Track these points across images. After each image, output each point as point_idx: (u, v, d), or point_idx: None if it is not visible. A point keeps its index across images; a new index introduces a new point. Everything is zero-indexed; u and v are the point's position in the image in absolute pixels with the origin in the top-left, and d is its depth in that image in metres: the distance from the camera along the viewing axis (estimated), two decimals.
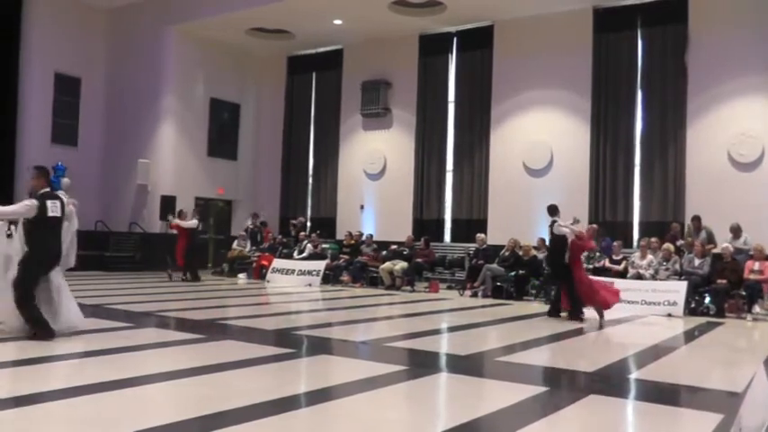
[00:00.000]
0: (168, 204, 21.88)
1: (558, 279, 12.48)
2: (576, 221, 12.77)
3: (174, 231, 19.04)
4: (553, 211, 12.74)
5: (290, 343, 8.81)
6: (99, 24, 24.07)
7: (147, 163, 22.65)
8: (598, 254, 15.52)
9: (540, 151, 19.03)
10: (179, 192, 22.38)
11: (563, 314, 12.14)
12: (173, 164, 22.70)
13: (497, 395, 6.19)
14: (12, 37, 22.67)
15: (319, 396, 5.86)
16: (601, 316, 11.84)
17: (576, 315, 11.83)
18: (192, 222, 18.45)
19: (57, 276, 8.47)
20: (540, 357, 8.53)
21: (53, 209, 8.18)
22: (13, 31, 22.69)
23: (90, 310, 11.13)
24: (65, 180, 21.40)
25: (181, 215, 18.83)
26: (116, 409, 5.25)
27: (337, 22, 20.70)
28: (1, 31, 22.64)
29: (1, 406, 5.14)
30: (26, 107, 22.69)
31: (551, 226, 12.55)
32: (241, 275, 19.90)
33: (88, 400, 5.45)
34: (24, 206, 8.05)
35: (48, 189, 8.39)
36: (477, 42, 20.24)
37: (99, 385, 5.89)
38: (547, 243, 14.31)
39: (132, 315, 10.99)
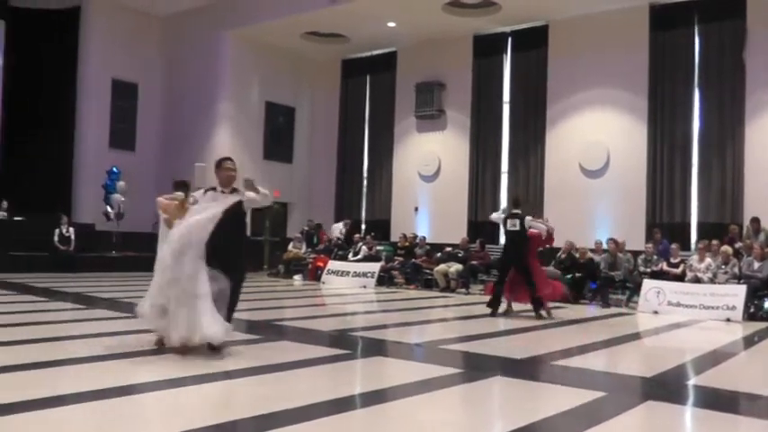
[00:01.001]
0: None
1: (517, 272, 12.25)
2: (547, 220, 13.38)
3: None
4: (518, 203, 12.67)
5: (345, 344, 8.85)
6: (156, 31, 24.54)
7: (204, 166, 22.69)
8: (655, 257, 15.29)
9: (597, 152, 18.79)
10: None
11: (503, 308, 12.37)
12: None
13: (553, 399, 6.13)
14: (70, 44, 23.36)
15: (374, 397, 5.88)
16: (546, 308, 12.03)
17: (542, 308, 11.97)
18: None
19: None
20: (596, 362, 8.42)
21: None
22: (71, 39, 23.38)
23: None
24: (120, 184, 21.86)
25: None
26: (173, 406, 5.36)
27: (391, 24, 20.74)
28: (60, 39, 23.34)
29: (58, 402, 5.27)
30: (84, 113, 23.28)
31: (518, 218, 12.28)
32: (297, 277, 20.05)
33: (147, 397, 5.58)
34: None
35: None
36: (532, 42, 20.09)
37: (156, 383, 6.01)
38: (504, 233, 13.36)
39: None
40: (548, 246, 13.81)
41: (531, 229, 12.35)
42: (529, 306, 12.12)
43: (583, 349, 9.04)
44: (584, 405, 5.75)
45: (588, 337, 10.31)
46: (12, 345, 7.82)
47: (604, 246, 15.92)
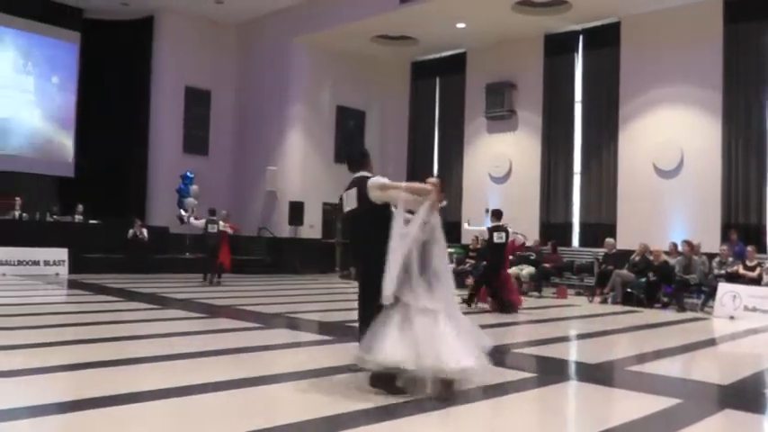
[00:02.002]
0: (296, 210, 22.44)
1: (493, 279, 13.18)
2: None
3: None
4: (500, 215, 13.54)
5: None
6: (228, 39, 25.02)
7: (275, 170, 23.28)
8: (731, 259, 14.88)
9: (670, 151, 18.31)
10: (306, 198, 22.87)
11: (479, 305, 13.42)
12: (300, 171, 23.22)
13: (628, 406, 6.02)
14: (144, 53, 24.05)
15: (446, 401, 5.86)
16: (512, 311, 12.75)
17: (512, 308, 12.82)
18: (197, 222, 18.25)
19: None
20: (672, 368, 8.25)
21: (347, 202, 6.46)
22: (145, 48, 24.07)
23: (221, 311, 11.58)
24: (193, 188, 22.31)
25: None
26: (245, 405, 5.43)
27: (460, 25, 20.67)
28: (134, 49, 24.05)
29: (140, 398, 5.40)
30: (158, 119, 23.91)
31: (502, 231, 13.28)
32: None
33: (217, 396, 5.66)
34: None
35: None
36: (604, 40, 19.75)
37: (229, 383, 6.10)
38: (485, 243, 14.84)
39: (262, 316, 11.29)
40: (518, 252, 15.53)
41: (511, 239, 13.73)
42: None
43: (657, 354, 8.85)
44: (660, 412, 5.63)
45: (663, 342, 10.10)
46: (88, 343, 8.06)
47: (679, 248, 15.54)
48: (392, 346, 5.62)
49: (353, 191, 6.27)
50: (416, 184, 6.30)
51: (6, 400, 5.44)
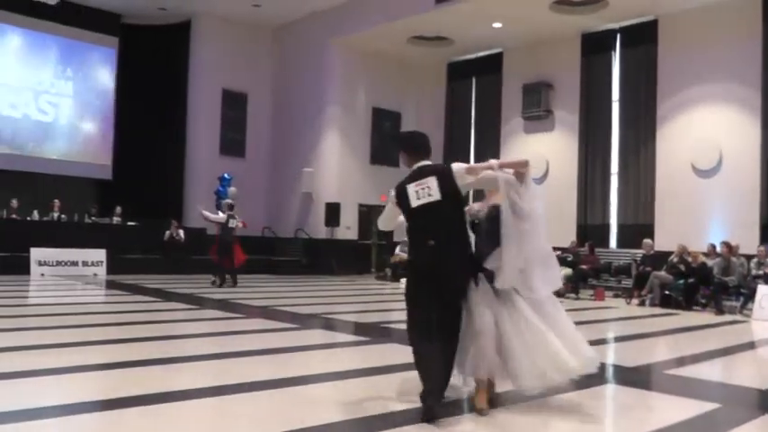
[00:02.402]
0: (333, 212, 22.53)
1: None
2: None
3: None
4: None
5: None
6: (264, 42, 25.21)
7: (312, 172, 23.39)
8: None
9: (708, 150, 18.02)
10: (342, 199, 22.95)
11: None
12: (336, 172, 23.30)
13: (666, 410, 5.96)
14: (181, 57, 24.37)
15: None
16: None
17: None
18: (220, 217, 17.48)
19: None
20: (710, 371, 8.15)
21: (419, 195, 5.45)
22: (182, 52, 24.37)
23: (258, 311, 11.66)
24: (231, 189, 22.47)
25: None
26: (282, 406, 5.46)
27: (497, 25, 20.59)
28: (171, 53, 24.38)
29: (177, 398, 5.46)
30: (195, 121, 24.17)
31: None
32: (403, 280, 20.04)
33: (254, 396, 5.69)
34: None
35: None
36: (641, 38, 19.54)
37: (265, 383, 6.14)
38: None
39: (298, 317, 11.35)
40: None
41: None
42: None
43: (696, 358, 8.76)
44: (698, 417, 5.57)
45: (701, 345, 9.99)
46: (126, 342, 8.17)
47: (717, 249, 15.34)
48: (565, 352, 5.39)
49: (433, 181, 5.36)
50: (510, 159, 5.99)
51: (45, 398, 5.54)
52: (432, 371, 5.17)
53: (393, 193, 5.53)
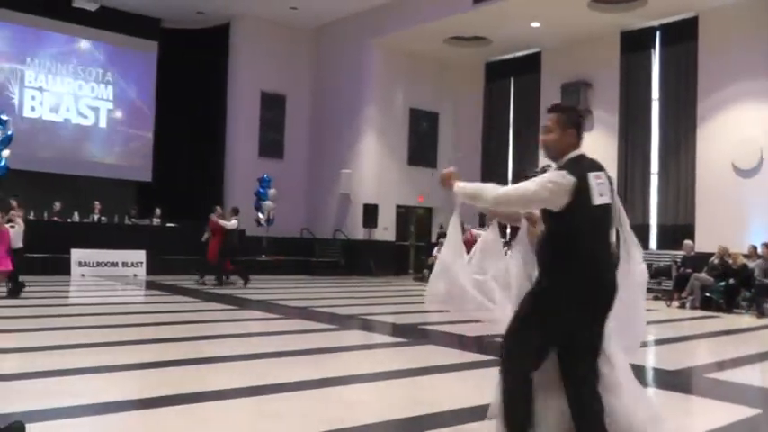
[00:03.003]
0: (370, 213, 22.58)
1: None
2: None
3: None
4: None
5: (490, 350, 8.81)
6: (303, 43, 25.33)
7: (350, 173, 23.45)
8: None
9: (750, 149, 17.68)
10: (380, 200, 22.99)
11: None
12: (374, 173, 23.34)
13: (706, 414, 5.90)
14: (220, 60, 24.62)
15: None
16: None
17: None
18: (233, 223, 17.56)
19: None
20: (751, 375, 8.03)
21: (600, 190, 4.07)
22: (221, 55, 24.63)
23: (296, 312, 11.73)
24: (271, 191, 22.64)
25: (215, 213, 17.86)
26: (321, 407, 5.48)
27: (535, 24, 20.49)
28: (210, 56, 24.64)
29: (216, 397, 5.51)
30: (234, 123, 24.39)
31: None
32: None
33: (293, 396, 5.74)
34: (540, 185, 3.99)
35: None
36: (681, 35, 19.28)
37: (305, 383, 6.17)
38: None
39: (337, 317, 11.40)
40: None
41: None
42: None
43: (737, 362, 8.64)
44: (739, 422, 5.49)
45: (742, 348, 9.86)
46: (166, 342, 8.28)
47: (759, 251, 15.11)
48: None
49: (605, 177, 4.19)
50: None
51: (85, 396, 5.62)
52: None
53: (556, 175, 3.97)
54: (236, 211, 17.91)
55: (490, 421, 4.29)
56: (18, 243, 12.60)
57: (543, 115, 17.79)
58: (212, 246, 17.36)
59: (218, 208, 17.98)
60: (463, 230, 4.86)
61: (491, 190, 4.19)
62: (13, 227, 12.52)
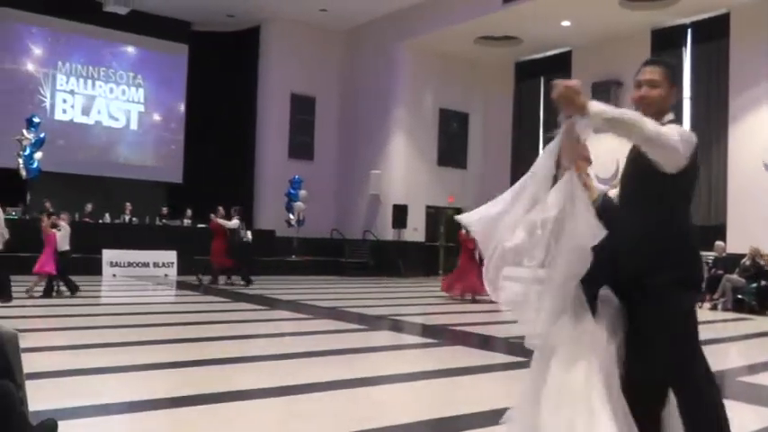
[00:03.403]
0: (400, 213, 22.57)
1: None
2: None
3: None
4: None
5: (519, 351, 8.76)
6: (332, 45, 25.39)
7: (379, 174, 23.46)
8: None
9: None
10: (410, 201, 22.97)
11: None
12: (403, 174, 23.33)
13: (739, 418, 5.80)
14: (250, 63, 24.79)
15: None
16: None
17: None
18: (234, 223, 17.59)
19: None
20: None
21: None
22: (251, 58, 24.79)
23: (326, 312, 11.75)
24: (302, 192, 22.71)
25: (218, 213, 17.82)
26: (351, 407, 5.49)
27: (565, 23, 20.37)
28: (240, 58, 24.82)
29: (246, 397, 5.54)
30: (265, 125, 24.51)
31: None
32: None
33: (323, 396, 5.74)
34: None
35: None
36: (713, 33, 19.03)
37: (334, 383, 6.18)
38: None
39: (366, 318, 11.41)
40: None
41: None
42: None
43: None
44: None
45: None
46: (196, 341, 8.33)
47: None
48: None
49: None
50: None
51: (115, 394, 5.69)
52: None
53: (681, 129, 3.37)
54: (238, 212, 17.98)
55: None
56: (64, 246, 13.01)
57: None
58: (215, 247, 17.36)
59: (221, 209, 17.91)
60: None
61: (646, 121, 3.21)
62: (59, 230, 12.91)
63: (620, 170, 3.49)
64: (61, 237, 12.88)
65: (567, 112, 3.35)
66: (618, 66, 20.90)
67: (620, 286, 3.32)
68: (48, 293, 12.59)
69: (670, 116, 3.50)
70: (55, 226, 12.92)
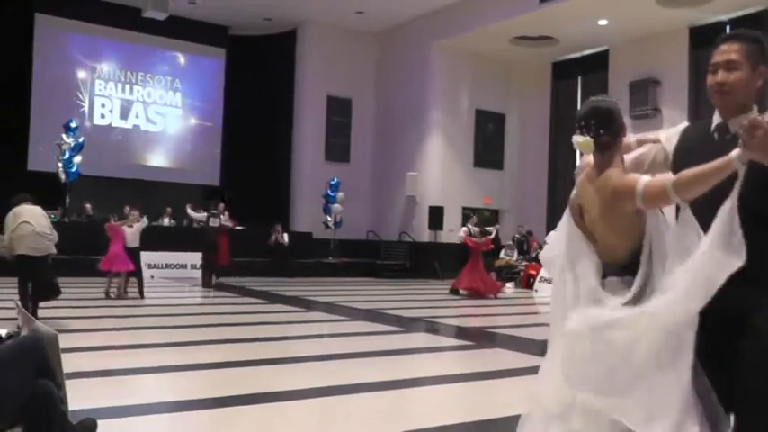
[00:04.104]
0: (436, 215, 22.51)
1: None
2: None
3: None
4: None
5: None
6: (368, 47, 25.43)
7: (415, 175, 23.42)
8: None
9: None
10: (446, 202, 22.89)
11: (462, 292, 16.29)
12: (439, 175, 23.27)
13: None
14: (287, 66, 24.94)
15: None
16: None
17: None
18: (198, 215, 17.66)
19: None
20: None
21: None
22: (287, 61, 24.92)
23: (362, 314, 11.73)
24: (339, 194, 22.74)
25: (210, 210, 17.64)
26: (388, 408, 5.48)
27: (602, 22, 20.18)
28: (277, 61, 24.96)
29: (283, 398, 5.53)
30: (301, 128, 24.62)
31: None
32: (509, 284, 19.89)
33: (360, 398, 5.72)
34: None
35: None
36: (753, 29, 18.69)
37: (371, 385, 6.16)
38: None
39: (402, 320, 11.37)
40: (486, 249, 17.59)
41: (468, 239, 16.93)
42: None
43: None
44: None
45: None
46: (233, 342, 8.35)
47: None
48: None
49: None
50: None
51: (154, 394, 5.73)
52: None
53: None
54: (214, 205, 17.78)
55: None
56: (134, 243, 13.25)
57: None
58: (224, 248, 17.44)
59: (222, 205, 17.81)
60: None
61: None
62: (130, 226, 13.23)
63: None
64: (131, 234, 13.15)
65: (751, 156, 2.32)
66: (655, 64, 20.68)
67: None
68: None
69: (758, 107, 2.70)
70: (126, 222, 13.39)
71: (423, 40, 23.43)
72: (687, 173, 2.49)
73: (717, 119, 2.80)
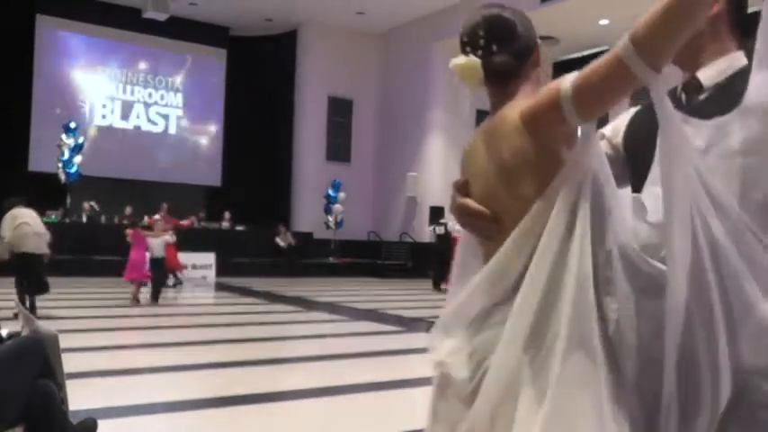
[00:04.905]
0: (437, 215, 22.48)
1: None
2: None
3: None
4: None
5: None
6: (369, 48, 25.39)
7: (416, 176, 23.40)
8: None
9: None
10: (447, 202, 22.61)
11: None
12: (440, 176, 23.21)
13: None
14: (287, 66, 24.90)
15: None
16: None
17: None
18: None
19: None
20: None
21: None
22: (288, 61, 24.88)
23: (363, 314, 11.71)
24: (341, 194, 22.73)
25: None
26: (388, 408, 5.48)
27: (603, 22, 20.16)
28: (277, 62, 24.96)
29: (284, 398, 5.51)
30: (302, 128, 24.60)
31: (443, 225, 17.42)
32: None
33: (360, 398, 5.73)
34: None
35: None
36: (751, 29, 18.76)
37: (372, 385, 6.17)
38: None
39: (404, 320, 11.34)
40: None
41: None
42: None
43: None
44: None
45: None
46: (235, 342, 8.35)
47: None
48: None
49: None
50: None
51: (154, 394, 5.70)
52: None
53: None
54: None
55: None
56: (160, 252, 12.41)
57: (613, 114, 17.36)
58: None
59: (165, 205, 17.25)
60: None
61: None
62: (156, 236, 12.50)
63: None
64: (156, 244, 12.38)
65: None
66: None
67: None
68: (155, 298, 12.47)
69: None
70: (149, 228, 12.78)
71: (424, 40, 23.40)
72: (640, 20, 1.73)
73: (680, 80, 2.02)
